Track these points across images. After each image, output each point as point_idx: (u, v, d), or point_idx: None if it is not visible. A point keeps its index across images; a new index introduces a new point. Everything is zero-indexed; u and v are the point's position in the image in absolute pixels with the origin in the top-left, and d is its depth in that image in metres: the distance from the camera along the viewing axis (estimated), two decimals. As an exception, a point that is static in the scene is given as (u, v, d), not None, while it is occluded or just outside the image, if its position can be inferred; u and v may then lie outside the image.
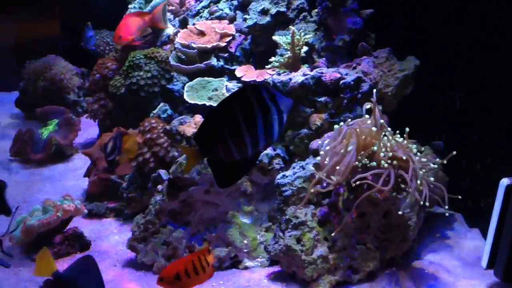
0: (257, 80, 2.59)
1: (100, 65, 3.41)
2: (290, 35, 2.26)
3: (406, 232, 2.07)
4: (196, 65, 2.77)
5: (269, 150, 2.17)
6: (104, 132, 3.40)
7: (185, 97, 2.68)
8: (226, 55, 2.84)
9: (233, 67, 2.81)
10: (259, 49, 2.78)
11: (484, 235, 2.13)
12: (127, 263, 2.22)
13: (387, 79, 2.24)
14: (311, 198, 2.10)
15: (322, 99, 2.13)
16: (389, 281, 2.05)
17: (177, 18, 3.49)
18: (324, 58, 2.31)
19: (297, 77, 2.11)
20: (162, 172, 2.24)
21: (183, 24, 3.36)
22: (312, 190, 2.05)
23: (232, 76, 2.80)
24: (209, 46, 2.81)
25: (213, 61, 2.80)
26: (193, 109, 2.84)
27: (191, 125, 2.15)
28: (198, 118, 2.18)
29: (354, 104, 2.16)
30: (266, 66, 2.45)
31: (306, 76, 2.11)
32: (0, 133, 3.76)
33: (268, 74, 2.57)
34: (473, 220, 2.31)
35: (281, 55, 2.59)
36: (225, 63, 2.84)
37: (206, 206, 2.20)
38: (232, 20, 2.97)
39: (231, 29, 2.86)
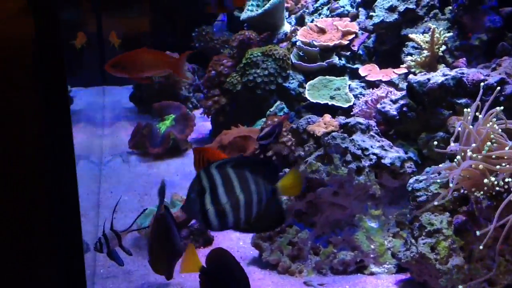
0: (383, 79, 2.51)
1: (215, 61, 3.45)
2: (429, 33, 2.16)
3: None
4: (318, 63, 2.73)
5: (401, 153, 2.09)
6: (217, 128, 3.45)
7: (307, 95, 2.64)
8: (348, 53, 2.79)
9: (355, 66, 2.75)
10: (383, 47, 2.70)
11: None
12: (251, 261, 2.22)
13: (531, 81, 2.09)
14: (447, 205, 1.99)
15: (463, 101, 2.02)
16: (527, 297, 1.91)
17: (293, 16, 3.47)
18: (464, 58, 2.19)
19: (437, 77, 2.01)
20: (287, 171, 2.21)
21: (300, 21, 3.34)
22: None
23: (354, 75, 2.74)
24: (331, 44, 2.76)
25: (335, 60, 2.74)
26: (312, 108, 2.81)
27: (320, 124, 2.11)
28: (328, 118, 2.14)
29: (496, 107, 2.03)
30: (401, 65, 2.36)
31: (447, 77, 2.01)
32: (115, 126, 3.91)
33: (394, 74, 2.49)
34: None
35: (409, 54, 2.50)
36: (347, 62, 2.78)
37: (333, 208, 2.15)
38: (354, 17, 2.90)
39: (354, 26, 2.80)
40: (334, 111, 2.62)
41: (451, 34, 2.23)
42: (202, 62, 4.30)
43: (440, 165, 1.97)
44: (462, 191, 1.97)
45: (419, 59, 2.19)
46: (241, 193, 1.31)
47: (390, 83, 2.50)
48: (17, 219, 1.09)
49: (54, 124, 1.21)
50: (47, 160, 1.20)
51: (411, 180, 2.06)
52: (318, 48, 2.77)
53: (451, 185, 1.89)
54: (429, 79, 2.03)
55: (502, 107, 1.82)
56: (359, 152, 2.04)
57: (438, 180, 2.00)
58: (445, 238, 1.94)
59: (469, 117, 1.90)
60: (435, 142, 1.96)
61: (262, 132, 2.11)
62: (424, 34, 2.26)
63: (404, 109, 2.12)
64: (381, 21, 2.62)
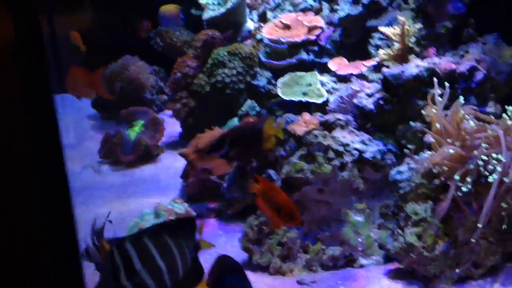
0: (354, 73, 2.54)
1: (180, 63, 3.42)
2: (399, 25, 2.20)
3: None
4: (287, 60, 2.74)
5: (381, 146, 2.13)
6: (187, 131, 3.42)
7: (279, 93, 2.65)
8: (315, 48, 2.80)
9: (323, 60, 2.77)
10: (350, 40, 2.73)
11: None
12: (241, 264, 2.22)
13: (498, 66, 2.16)
14: (428, 193, 2.05)
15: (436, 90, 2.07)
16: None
17: (254, 12, 3.46)
18: (434, 48, 2.24)
19: (411, 69, 2.05)
20: (272, 172, 2.22)
21: (263, 17, 3.34)
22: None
23: (323, 69, 2.76)
24: (298, 40, 2.77)
25: (304, 55, 2.76)
26: (284, 105, 2.82)
27: (300, 123, 2.12)
28: (307, 117, 2.15)
29: (468, 94, 2.09)
30: (371, 58, 2.39)
31: (420, 68, 2.05)
32: (80, 135, 3.82)
33: (364, 66, 2.52)
34: None
35: (376, 45, 2.54)
36: (315, 57, 2.80)
37: (318, 205, 2.17)
38: (317, 11, 2.92)
39: (319, 21, 2.81)
40: (307, 106, 2.64)
41: (420, 26, 2.27)
42: (163, 63, 4.25)
43: (421, 156, 2.02)
44: (442, 178, 2.04)
45: (391, 52, 2.23)
46: (161, 260, 1.30)
47: (360, 75, 2.53)
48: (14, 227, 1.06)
49: (42, 127, 1.19)
50: (36, 165, 1.18)
51: (392, 172, 2.10)
52: (286, 44, 2.77)
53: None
54: (403, 71, 2.07)
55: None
56: (341, 148, 2.07)
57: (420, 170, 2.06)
58: (430, 226, 1.99)
59: (440, 106, 1.96)
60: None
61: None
62: (394, 27, 2.30)
63: (381, 102, 2.16)
64: (347, 15, 2.65)
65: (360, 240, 2.18)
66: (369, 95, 2.18)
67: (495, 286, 1.96)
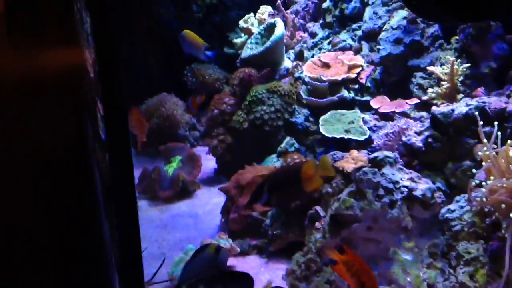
0: (396, 111, 2.55)
1: (217, 100, 3.46)
2: (448, 65, 2.22)
3: None
4: (329, 98, 2.77)
5: (430, 184, 2.12)
6: (223, 167, 3.44)
7: (321, 130, 2.67)
8: (356, 86, 2.83)
9: (364, 99, 2.80)
10: (391, 79, 2.75)
11: None
12: (288, 303, 2.20)
13: (547, 105, 2.16)
14: (481, 233, 2.03)
15: (487, 129, 2.07)
16: None
17: (291, 51, 3.51)
18: (482, 87, 2.25)
19: (461, 107, 2.06)
20: (319, 208, 2.22)
21: (299, 56, 3.39)
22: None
23: (363, 108, 2.78)
24: (339, 78, 2.80)
25: (345, 93, 2.79)
26: (324, 142, 2.84)
27: (349, 160, 2.13)
28: (356, 153, 2.16)
29: (517, 133, 2.09)
30: (423, 98, 2.41)
31: (470, 107, 2.06)
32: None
33: (407, 105, 2.54)
34: None
35: (418, 84, 2.56)
36: (355, 95, 2.82)
37: (367, 243, 2.15)
38: (357, 51, 2.96)
39: (359, 59, 2.85)
40: (347, 144, 2.65)
41: (468, 65, 2.29)
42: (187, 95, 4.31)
43: (475, 193, 2.01)
44: (493, 217, 2.03)
45: (439, 91, 2.25)
46: None
47: (402, 113, 2.54)
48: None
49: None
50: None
51: (443, 210, 2.09)
52: (327, 82, 2.81)
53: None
54: (453, 110, 2.08)
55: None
56: (391, 185, 2.07)
57: (472, 208, 2.05)
58: (482, 265, 1.97)
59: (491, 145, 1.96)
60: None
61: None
62: (443, 66, 2.32)
63: (430, 140, 2.16)
64: (388, 54, 2.68)
65: (409, 279, 2.15)
66: (418, 133, 2.19)
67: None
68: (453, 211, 2.06)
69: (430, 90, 2.32)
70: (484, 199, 1.94)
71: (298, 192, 2.04)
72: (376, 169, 2.07)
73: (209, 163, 3.62)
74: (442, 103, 2.20)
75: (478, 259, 1.98)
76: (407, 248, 2.18)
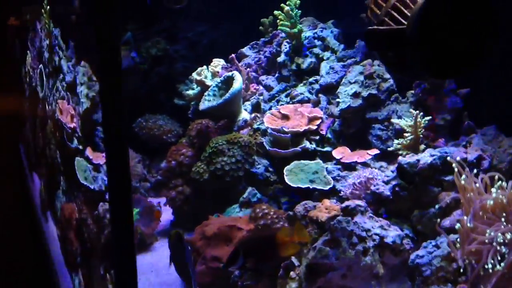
0: (358, 161, 2.66)
1: (174, 151, 3.47)
2: (412, 117, 2.36)
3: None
4: (293, 149, 2.85)
5: (399, 231, 2.22)
6: (180, 219, 3.42)
7: (287, 180, 2.73)
8: (317, 137, 2.93)
9: (324, 149, 2.90)
10: (350, 130, 2.88)
11: None
12: None
13: (500, 155, 2.33)
14: (448, 277, 2.13)
15: (449, 178, 2.21)
16: None
17: (246, 103, 3.59)
18: (443, 138, 2.40)
19: (425, 157, 2.20)
20: (293, 258, 2.25)
21: (256, 108, 3.47)
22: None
23: (324, 158, 2.88)
24: (301, 129, 2.89)
25: (307, 144, 2.88)
26: (287, 192, 2.90)
27: (322, 209, 2.19)
28: (328, 203, 2.23)
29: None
30: (389, 148, 2.53)
31: (434, 157, 2.20)
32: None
33: (369, 155, 2.66)
34: None
35: (376, 135, 2.70)
36: (316, 146, 2.92)
37: (341, 290, 2.21)
38: (316, 103, 3.07)
39: (319, 112, 2.96)
40: (311, 193, 2.73)
41: (429, 117, 2.45)
42: (145, 151, 4.29)
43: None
44: (459, 262, 2.14)
45: (404, 142, 2.38)
46: None
47: (364, 163, 2.66)
48: None
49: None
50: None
51: (412, 256, 2.19)
52: (289, 134, 2.89)
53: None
54: (418, 160, 2.21)
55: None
56: (363, 233, 2.15)
57: (439, 254, 2.15)
58: (451, 308, 2.07)
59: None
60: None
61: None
62: (405, 119, 2.47)
63: (397, 189, 2.28)
64: (348, 107, 2.82)
65: (381, 325, 2.21)
66: (386, 182, 2.30)
67: None
68: (422, 256, 2.16)
69: (396, 141, 2.45)
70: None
71: (274, 256, 2.10)
72: (349, 218, 2.14)
73: (164, 214, 3.57)
74: (407, 154, 2.33)
75: (448, 303, 2.07)
76: (378, 295, 2.25)
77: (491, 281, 2.05)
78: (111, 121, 1.26)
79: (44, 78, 2.70)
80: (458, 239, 2.08)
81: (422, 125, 2.36)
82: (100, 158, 1.90)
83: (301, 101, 3.14)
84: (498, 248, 1.96)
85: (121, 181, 1.28)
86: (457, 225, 1.99)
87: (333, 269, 2.15)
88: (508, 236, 1.97)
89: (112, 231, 1.31)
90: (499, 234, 1.98)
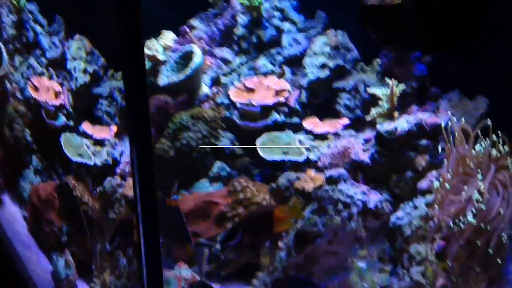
0: (330, 130, 2.74)
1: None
2: (389, 86, 2.45)
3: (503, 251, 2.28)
4: (264, 121, 2.87)
5: (379, 195, 2.32)
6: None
7: (260, 153, 2.76)
8: (285, 109, 2.97)
9: (293, 121, 2.95)
10: (317, 101, 2.94)
11: None
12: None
13: (466, 118, 2.47)
14: (427, 235, 2.26)
15: (424, 142, 2.33)
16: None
17: (204, 76, 3.56)
18: (415, 105, 2.51)
19: (403, 124, 2.30)
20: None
21: (216, 82, 3.45)
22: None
23: (294, 129, 2.93)
24: (270, 102, 2.92)
25: (277, 116, 2.91)
26: (258, 165, 2.93)
27: (307, 180, 2.25)
28: (312, 173, 2.29)
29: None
30: (367, 117, 2.60)
31: (410, 124, 2.30)
32: None
33: (340, 125, 2.73)
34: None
35: (345, 104, 2.78)
36: (285, 117, 2.96)
37: (327, 256, 2.29)
38: (281, 75, 3.10)
39: (286, 84, 2.99)
40: (281, 165, 2.78)
41: (404, 87, 2.54)
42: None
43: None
44: (435, 220, 2.27)
45: (381, 111, 2.47)
46: None
47: (335, 134, 2.73)
48: None
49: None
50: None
51: (392, 219, 2.31)
52: (258, 107, 2.91)
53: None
54: (396, 127, 2.31)
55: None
56: (348, 200, 2.23)
57: (418, 214, 2.28)
58: (430, 263, 2.20)
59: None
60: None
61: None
62: (381, 88, 2.55)
63: (376, 156, 2.37)
64: (317, 78, 2.87)
65: (365, 285, 2.32)
66: (364, 150, 2.38)
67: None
68: (401, 218, 2.27)
69: (373, 110, 2.53)
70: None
71: (269, 232, 2.16)
72: (334, 186, 2.22)
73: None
74: (386, 122, 2.42)
75: (427, 258, 2.20)
76: (361, 257, 2.35)
77: (464, 236, 2.20)
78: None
79: (5, 56, 2.56)
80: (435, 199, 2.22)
81: (397, 93, 2.46)
82: (104, 132, 1.85)
83: (265, 74, 3.15)
84: (476, 205, 2.10)
85: (147, 156, 1.29)
86: (436, 183, 2.11)
87: (320, 236, 2.23)
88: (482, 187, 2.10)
89: (138, 204, 1.30)
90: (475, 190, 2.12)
